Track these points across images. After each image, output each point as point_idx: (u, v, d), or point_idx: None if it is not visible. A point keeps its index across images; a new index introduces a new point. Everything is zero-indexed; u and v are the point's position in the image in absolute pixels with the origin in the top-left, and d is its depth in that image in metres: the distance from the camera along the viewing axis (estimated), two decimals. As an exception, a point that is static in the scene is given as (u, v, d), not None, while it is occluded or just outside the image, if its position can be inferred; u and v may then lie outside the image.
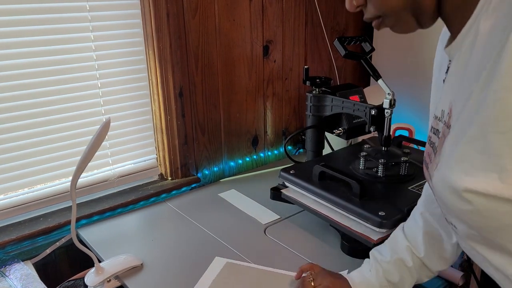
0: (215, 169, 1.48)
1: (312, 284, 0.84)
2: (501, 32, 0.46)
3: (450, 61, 0.60)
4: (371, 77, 1.43)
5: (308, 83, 1.30)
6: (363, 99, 1.32)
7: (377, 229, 0.94)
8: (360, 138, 1.43)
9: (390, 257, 0.83)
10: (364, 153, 1.13)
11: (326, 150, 1.40)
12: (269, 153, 1.63)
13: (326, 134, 1.35)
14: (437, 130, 0.63)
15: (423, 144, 1.23)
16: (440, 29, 0.68)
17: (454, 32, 0.59)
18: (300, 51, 1.60)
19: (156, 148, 1.38)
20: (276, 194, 1.18)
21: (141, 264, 1.02)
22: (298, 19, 1.56)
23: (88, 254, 0.98)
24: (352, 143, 1.47)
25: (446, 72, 0.62)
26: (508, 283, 0.58)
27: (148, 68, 1.28)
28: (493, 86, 0.46)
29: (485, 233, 0.55)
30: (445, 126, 0.59)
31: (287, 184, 1.17)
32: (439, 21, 0.62)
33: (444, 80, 0.63)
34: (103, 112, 1.23)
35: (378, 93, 1.19)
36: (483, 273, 1.06)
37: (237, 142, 1.52)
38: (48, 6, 1.07)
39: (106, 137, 0.91)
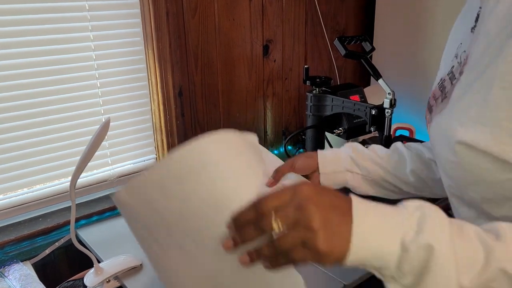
0: (215, 169, 1.47)
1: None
2: None
3: (480, 8, 0.60)
4: (371, 77, 1.43)
5: (308, 82, 1.30)
6: (364, 99, 1.31)
7: (378, 230, 0.93)
8: (360, 138, 1.42)
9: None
10: (365, 153, 1.12)
11: (326, 150, 1.39)
12: (269, 153, 1.63)
13: (326, 134, 1.35)
14: (454, 75, 0.63)
15: (423, 144, 1.23)
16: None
17: None
18: (300, 50, 1.60)
19: (155, 148, 1.38)
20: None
21: (141, 264, 1.01)
22: (298, 18, 1.55)
23: (88, 254, 0.97)
24: (352, 143, 1.46)
25: (476, 20, 0.62)
26: None
27: (148, 67, 1.28)
28: (511, 42, 0.47)
29: (461, 184, 0.56)
30: (459, 73, 0.59)
31: (287, 184, 1.16)
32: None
33: (472, 28, 0.63)
34: (102, 112, 1.23)
35: (378, 93, 1.19)
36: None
37: (237, 142, 1.51)
38: (47, 5, 1.07)
39: (106, 137, 0.91)
